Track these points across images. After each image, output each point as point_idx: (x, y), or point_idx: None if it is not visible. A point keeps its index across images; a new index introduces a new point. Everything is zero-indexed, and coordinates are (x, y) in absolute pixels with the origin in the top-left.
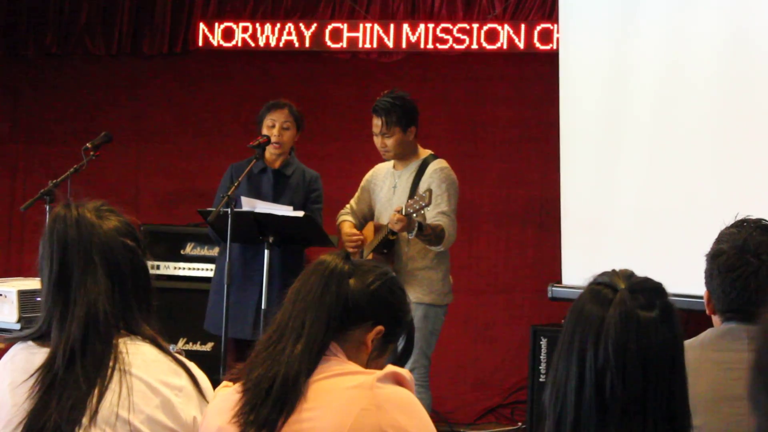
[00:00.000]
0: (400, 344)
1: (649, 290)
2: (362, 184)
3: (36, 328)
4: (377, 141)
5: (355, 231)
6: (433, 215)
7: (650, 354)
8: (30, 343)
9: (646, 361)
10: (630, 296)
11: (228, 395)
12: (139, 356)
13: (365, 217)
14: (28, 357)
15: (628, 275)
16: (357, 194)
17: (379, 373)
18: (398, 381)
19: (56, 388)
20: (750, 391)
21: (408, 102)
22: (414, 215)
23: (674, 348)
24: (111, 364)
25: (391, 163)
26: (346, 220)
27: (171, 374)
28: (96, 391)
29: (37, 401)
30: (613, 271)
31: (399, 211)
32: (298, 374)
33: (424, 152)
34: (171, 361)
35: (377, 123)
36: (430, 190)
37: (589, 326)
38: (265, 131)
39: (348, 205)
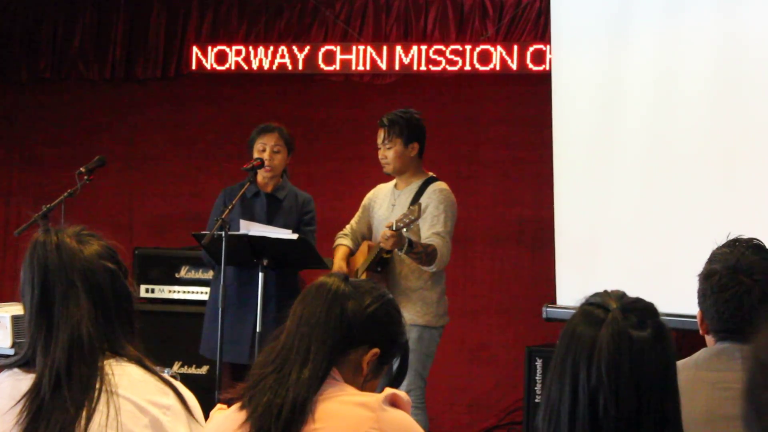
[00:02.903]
0: (395, 365)
1: (641, 310)
2: (363, 202)
3: (21, 354)
4: (379, 154)
5: (343, 266)
6: (427, 235)
7: (643, 373)
8: (16, 370)
9: (639, 380)
10: (622, 316)
11: (226, 419)
12: (126, 377)
13: (364, 236)
14: (15, 384)
15: (619, 296)
16: (358, 213)
17: (380, 395)
18: (395, 403)
19: (44, 414)
20: (743, 413)
21: (414, 118)
22: (405, 230)
23: (667, 367)
24: (98, 386)
25: (393, 182)
26: (341, 245)
27: (158, 393)
28: (84, 414)
29: (25, 427)
30: (605, 291)
31: (390, 227)
32: (306, 399)
33: (428, 174)
34: (158, 381)
35: (380, 134)
36: (419, 204)
37: (581, 346)
38: (256, 155)
39: (348, 226)
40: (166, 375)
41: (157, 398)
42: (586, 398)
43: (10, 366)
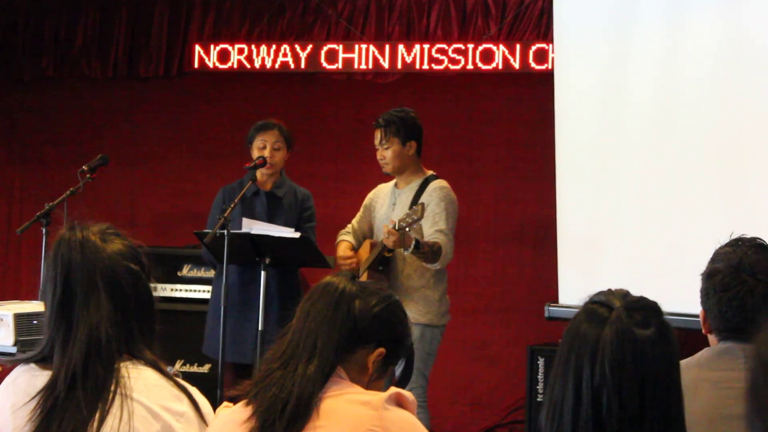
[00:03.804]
0: (400, 366)
1: (645, 308)
2: (365, 202)
3: (38, 350)
4: (378, 154)
5: (349, 253)
6: (430, 233)
7: (647, 372)
8: (32, 365)
9: (642, 379)
10: (626, 314)
11: (232, 415)
12: (141, 381)
13: (365, 235)
14: (30, 380)
15: (623, 294)
16: (359, 213)
17: (384, 394)
18: (400, 402)
19: (57, 412)
20: (745, 413)
21: (409, 117)
22: (407, 229)
23: (671, 366)
24: (112, 388)
25: (393, 182)
26: (343, 240)
27: (172, 399)
28: (97, 416)
29: (38, 425)
30: (609, 290)
31: (393, 226)
32: (311, 395)
33: (427, 172)
34: (173, 386)
35: (376, 135)
36: (422, 204)
37: (585, 345)
38: (255, 152)
39: (349, 225)
40: (182, 381)
41: (171, 404)
42: (589, 397)
43: (26, 361)
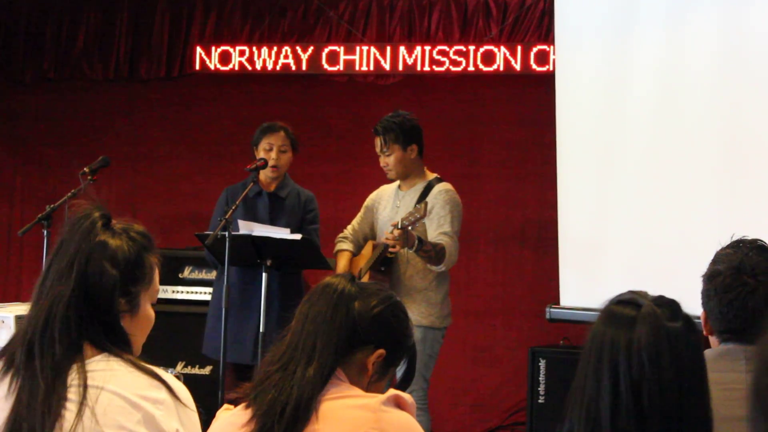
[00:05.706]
0: (401, 368)
1: (671, 303)
2: (366, 203)
3: None
4: (380, 161)
5: (346, 271)
6: (435, 235)
7: (682, 363)
8: None
9: (678, 369)
10: (658, 309)
11: (232, 418)
12: (115, 373)
13: (366, 237)
14: None
15: (646, 293)
16: (360, 214)
17: (382, 396)
18: (399, 404)
19: (22, 385)
20: (749, 414)
21: (407, 120)
22: (410, 228)
23: (700, 356)
24: (86, 383)
25: (397, 183)
26: (342, 250)
27: (150, 388)
28: (74, 408)
29: (13, 400)
30: (630, 291)
31: (395, 225)
32: (311, 398)
33: (431, 175)
34: (147, 376)
35: (377, 143)
36: (425, 202)
37: (616, 343)
38: (261, 154)
39: (349, 227)
40: (155, 369)
41: (149, 393)
42: (629, 391)
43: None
